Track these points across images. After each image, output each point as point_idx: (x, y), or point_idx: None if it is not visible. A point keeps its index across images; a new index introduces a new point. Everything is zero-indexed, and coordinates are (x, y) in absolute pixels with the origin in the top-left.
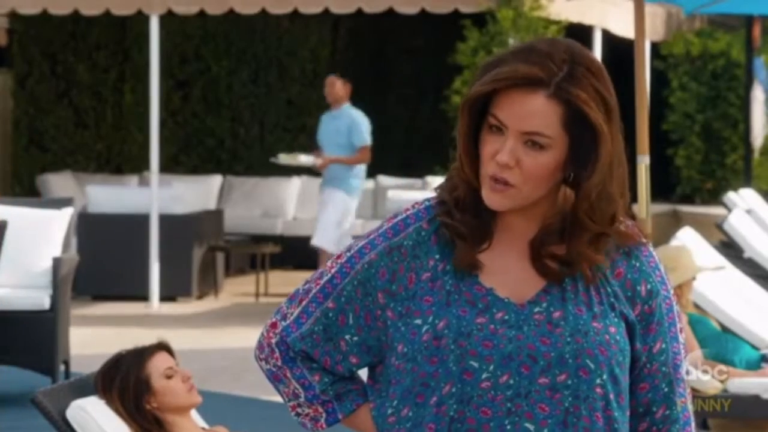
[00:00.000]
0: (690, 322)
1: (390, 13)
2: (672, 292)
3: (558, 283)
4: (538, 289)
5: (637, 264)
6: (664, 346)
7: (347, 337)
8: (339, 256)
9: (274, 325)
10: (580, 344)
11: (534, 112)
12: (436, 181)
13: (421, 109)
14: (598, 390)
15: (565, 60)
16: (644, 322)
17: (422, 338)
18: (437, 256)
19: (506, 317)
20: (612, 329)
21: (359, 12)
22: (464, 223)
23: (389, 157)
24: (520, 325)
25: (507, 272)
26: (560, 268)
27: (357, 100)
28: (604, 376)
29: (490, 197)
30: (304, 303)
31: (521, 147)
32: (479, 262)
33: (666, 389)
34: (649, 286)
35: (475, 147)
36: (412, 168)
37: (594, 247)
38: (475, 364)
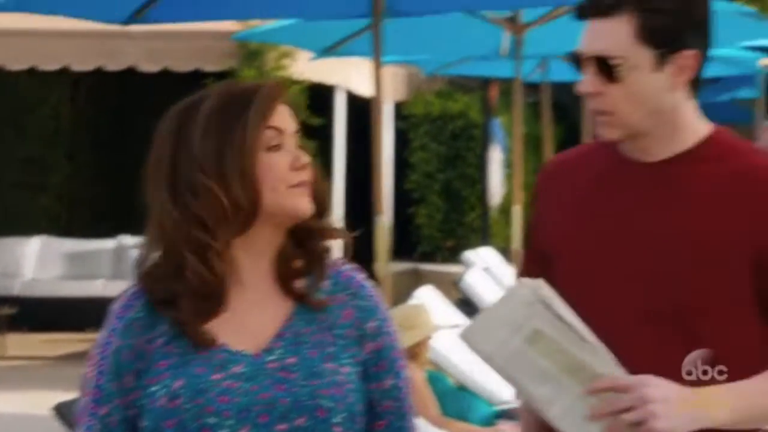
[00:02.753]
0: (428, 380)
1: (131, 71)
2: (394, 328)
3: (304, 301)
4: (272, 335)
5: (363, 303)
6: (393, 381)
7: None
8: (93, 357)
9: None
10: (315, 386)
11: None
12: None
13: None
14: (337, 429)
15: None
16: (375, 359)
17: (159, 403)
18: (169, 321)
19: (243, 370)
20: (345, 369)
21: (99, 70)
22: (193, 299)
23: (131, 216)
24: (255, 375)
25: (240, 323)
26: (303, 284)
27: (98, 159)
28: (342, 416)
29: (302, 200)
30: (84, 421)
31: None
32: (214, 335)
33: (398, 424)
34: (376, 323)
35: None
36: None
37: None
38: (213, 420)
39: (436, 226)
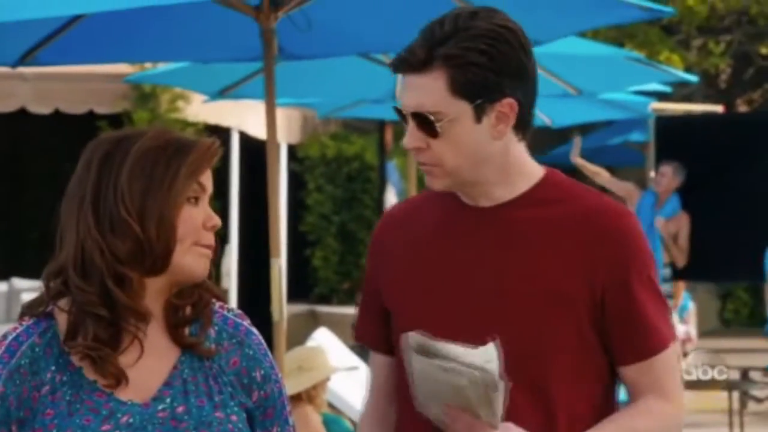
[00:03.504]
0: (324, 422)
1: (23, 113)
2: (281, 375)
3: (193, 349)
4: (160, 383)
5: (250, 352)
6: (280, 429)
7: None
8: None
9: None
10: None
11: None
12: None
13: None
14: None
15: None
16: (262, 407)
17: None
18: (53, 368)
19: (131, 420)
20: (234, 418)
21: None
22: (101, 334)
23: (24, 258)
24: (144, 425)
25: (128, 371)
26: (190, 332)
27: None
28: None
29: (203, 262)
30: None
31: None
32: (124, 373)
33: None
34: (263, 372)
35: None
36: None
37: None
38: None
39: (333, 268)
